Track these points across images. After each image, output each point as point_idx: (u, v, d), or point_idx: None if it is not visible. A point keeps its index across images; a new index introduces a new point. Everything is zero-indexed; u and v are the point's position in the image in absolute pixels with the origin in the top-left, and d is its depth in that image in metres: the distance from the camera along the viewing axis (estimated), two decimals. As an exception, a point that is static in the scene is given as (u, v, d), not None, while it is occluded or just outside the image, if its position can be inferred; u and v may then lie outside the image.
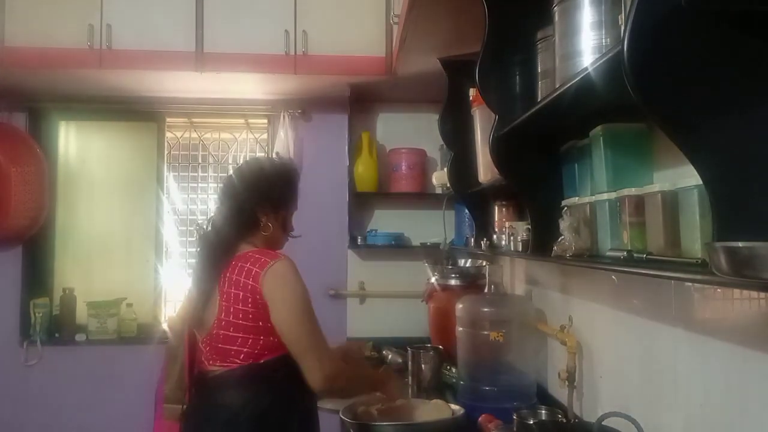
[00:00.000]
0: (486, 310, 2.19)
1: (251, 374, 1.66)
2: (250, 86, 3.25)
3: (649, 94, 0.88)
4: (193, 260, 1.94)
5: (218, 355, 1.68)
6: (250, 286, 1.65)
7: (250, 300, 1.65)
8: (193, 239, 3.64)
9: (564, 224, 1.43)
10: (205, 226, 1.87)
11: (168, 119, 3.58)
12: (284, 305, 1.67)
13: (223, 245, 1.76)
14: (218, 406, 1.66)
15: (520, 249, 1.85)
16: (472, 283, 2.71)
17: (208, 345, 1.71)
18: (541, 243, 1.63)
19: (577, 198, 1.50)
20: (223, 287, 1.69)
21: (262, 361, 1.66)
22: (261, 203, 1.78)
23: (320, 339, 1.69)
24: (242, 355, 1.65)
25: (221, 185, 1.89)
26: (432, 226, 3.36)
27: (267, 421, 1.64)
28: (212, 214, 1.87)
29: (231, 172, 1.90)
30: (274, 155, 3.39)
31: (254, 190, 1.79)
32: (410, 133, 3.55)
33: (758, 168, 0.85)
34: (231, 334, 1.66)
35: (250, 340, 1.65)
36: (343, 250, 3.47)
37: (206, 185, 3.70)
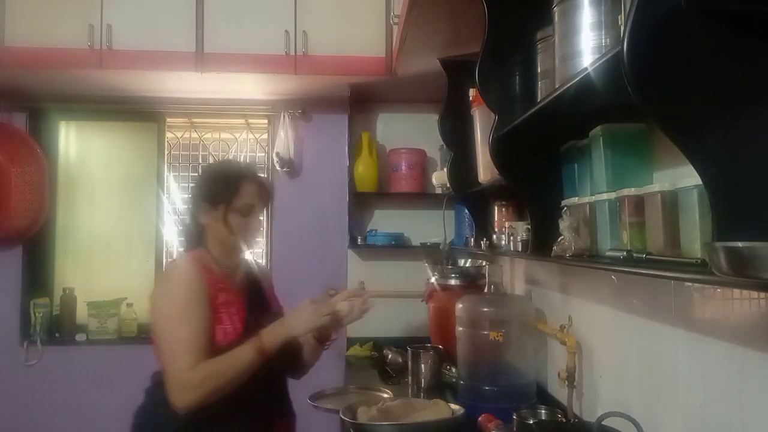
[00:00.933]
0: (486, 310, 2.19)
1: (154, 381, 1.74)
2: (250, 86, 3.25)
3: (649, 94, 0.88)
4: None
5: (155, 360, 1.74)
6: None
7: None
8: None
9: (564, 224, 1.43)
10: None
11: (168, 119, 3.58)
12: (156, 310, 1.70)
13: (183, 250, 1.83)
14: (141, 408, 1.80)
15: (519, 249, 1.85)
16: (472, 283, 2.71)
17: None
18: (541, 243, 1.63)
19: (576, 198, 1.50)
20: None
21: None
22: (200, 206, 1.78)
23: (178, 348, 1.61)
24: (157, 360, 1.70)
25: None
26: (432, 226, 3.36)
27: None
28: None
29: None
30: (274, 155, 3.40)
31: (195, 194, 1.83)
32: (410, 133, 3.55)
33: (758, 168, 0.85)
34: (154, 340, 1.73)
35: (156, 347, 1.70)
36: (343, 250, 3.48)
37: (206, 185, 3.70)
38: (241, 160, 1.94)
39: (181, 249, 1.82)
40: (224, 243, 1.78)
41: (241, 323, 1.72)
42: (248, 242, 1.82)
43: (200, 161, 3.71)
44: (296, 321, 1.75)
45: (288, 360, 1.84)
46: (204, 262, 1.75)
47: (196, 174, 1.96)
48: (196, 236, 1.80)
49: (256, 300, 1.85)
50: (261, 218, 1.85)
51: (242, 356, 1.64)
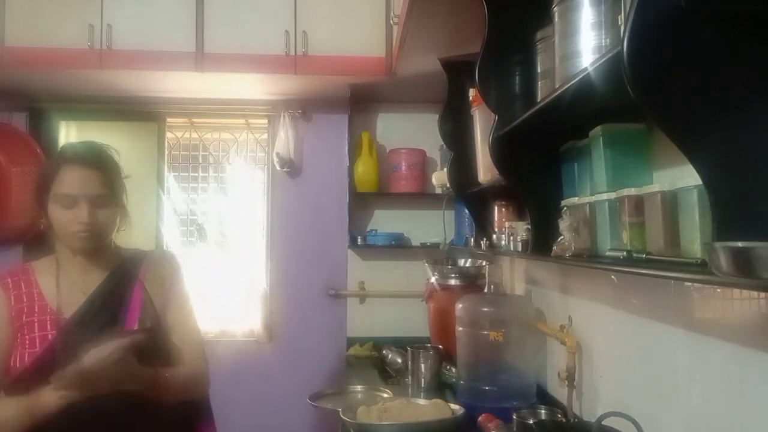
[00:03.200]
0: (486, 309, 2.19)
1: None
2: (250, 86, 3.25)
3: (649, 94, 0.88)
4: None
5: None
6: None
7: None
8: (193, 239, 3.65)
9: (564, 224, 1.43)
10: None
11: (168, 119, 3.58)
12: None
13: None
14: None
15: (519, 249, 1.85)
16: (472, 283, 2.71)
17: None
18: (541, 243, 1.63)
19: (576, 198, 1.50)
20: None
21: None
22: (38, 203, 1.52)
23: None
24: None
25: None
26: (432, 226, 3.36)
27: None
28: None
29: None
30: (274, 155, 3.40)
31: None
32: (410, 133, 3.55)
33: (758, 168, 0.85)
34: None
35: None
36: (343, 250, 3.48)
37: (206, 185, 3.71)
38: (82, 141, 1.64)
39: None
40: (61, 242, 1.51)
41: (42, 346, 1.42)
42: (78, 239, 1.48)
43: (200, 161, 3.72)
44: (45, 395, 1.34)
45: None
46: (25, 276, 1.50)
47: None
48: (49, 241, 1.56)
49: (94, 315, 1.49)
50: (92, 211, 1.49)
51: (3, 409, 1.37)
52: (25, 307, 1.46)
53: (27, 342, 1.44)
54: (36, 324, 1.45)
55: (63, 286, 1.51)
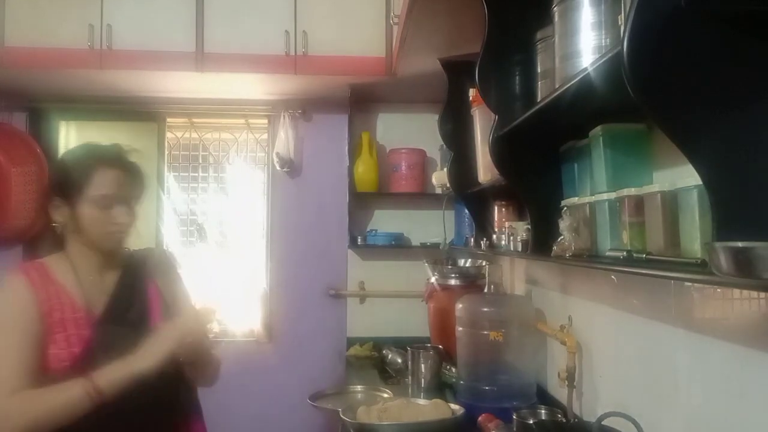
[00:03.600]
0: (486, 310, 2.19)
1: None
2: (250, 86, 3.25)
3: (649, 94, 0.88)
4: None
5: None
6: None
7: None
8: (193, 239, 3.65)
9: (564, 224, 1.43)
10: None
11: (168, 119, 3.58)
12: None
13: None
14: None
15: (519, 249, 1.85)
16: (472, 283, 2.71)
17: None
18: (541, 243, 1.63)
19: (576, 198, 1.50)
20: None
21: None
22: (50, 198, 1.52)
23: None
24: None
25: None
26: (432, 226, 3.37)
27: None
28: None
29: None
30: (274, 155, 3.40)
31: (46, 188, 1.57)
32: (410, 133, 3.55)
33: (758, 168, 0.85)
34: None
35: None
36: (343, 250, 3.48)
37: (206, 185, 3.71)
38: (105, 143, 1.60)
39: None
40: (84, 242, 1.51)
41: (79, 345, 1.43)
42: (115, 241, 1.53)
43: (200, 161, 3.72)
44: (141, 356, 1.39)
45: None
46: (44, 273, 1.48)
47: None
48: (52, 239, 1.54)
49: (123, 312, 1.52)
50: (128, 211, 1.52)
51: (69, 396, 1.35)
52: (54, 305, 1.45)
53: (63, 341, 1.43)
54: (70, 322, 1.45)
55: (83, 284, 1.51)
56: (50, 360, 1.42)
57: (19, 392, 1.36)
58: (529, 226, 1.72)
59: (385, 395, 2.24)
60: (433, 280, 2.84)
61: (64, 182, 1.50)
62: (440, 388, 2.41)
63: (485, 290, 2.30)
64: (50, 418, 1.36)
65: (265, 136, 3.64)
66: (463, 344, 2.22)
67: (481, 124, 2.21)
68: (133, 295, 1.56)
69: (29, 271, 1.48)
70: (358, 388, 2.41)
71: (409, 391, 2.44)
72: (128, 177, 1.54)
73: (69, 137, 3.66)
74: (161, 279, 1.63)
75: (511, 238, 1.94)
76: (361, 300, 3.55)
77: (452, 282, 2.75)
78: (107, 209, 1.49)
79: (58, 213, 1.50)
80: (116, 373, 1.37)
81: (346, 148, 3.43)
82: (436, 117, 3.00)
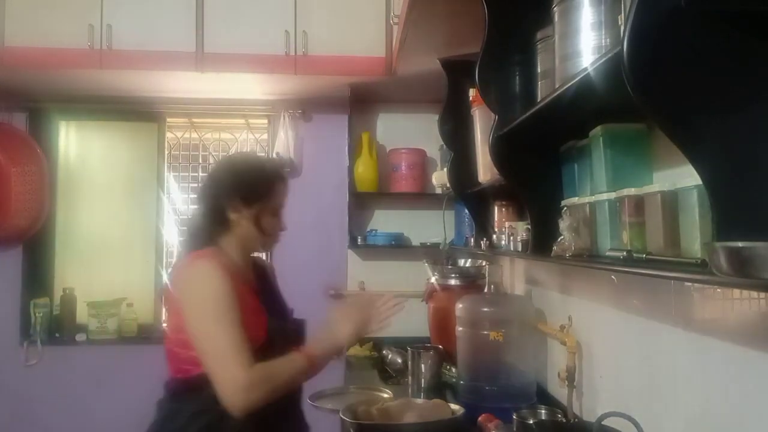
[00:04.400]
0: (486, 310, 2.19)
1: (172, 390, 1.59)
2: (250, 86, 3.25)
3: (649, 94, 0.88)
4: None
5: (167, 368, 1.63)
6: (170, 293, 1.58)
7: (172, 309, 1.58)
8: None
9: (564, 224, 1.43)
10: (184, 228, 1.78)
11: (168, 119, 3.58)
12: (188, 313, 1.53)
13: (189, 247, 1.67)
14: (156, 418, 1.62)
15: (519, 249, 1.85)
16: (472, 283, 2.71)
17: None
18: (541, 243, 1.63)
19: (576, 198, 1.50)
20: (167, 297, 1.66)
21: (191, 375, 1.54)
22: (230, 199, 1.65)
23: (227, 349, 1.48)
24: (173, 368, 1.59)
25: (199, 185, 1.81)
26: (432, 226, 3.36)
27: None
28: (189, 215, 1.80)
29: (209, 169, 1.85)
30: (274, 155, 3.40)
31: (222, 184, 1.68)
32: (410, 133, 3.55)
33: (758, 168, 0.85)
34: (166, 345, 1.62)
35: (175, 353, 1.58)
36: (343, 250, 3.48)
37: (206, 185, 3.70)
38: (266, 155, 1.78)
39: (187, 245, 1.67)
40: (247, 240, 1.68)
41: (263, 331, 1.58)
42: (273, 243, 1.76)
43: (200, 161, 3.72)
44: (346, 334, 1.67)
45: None
46: (224, 262, 1.61)
47: (221, 166, 1.78)
48: (209, 233, 1.66)
49: (273, 305, 1.73)
50: (283, 219, 1.76)
51: (294, 364, 1.55)
52: (238, 293, 1.56)
53: (252, 326, 1.55)
54: (250, 309, 1.58)
55: (244, 278, 1.67)
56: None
57: (255, 365, 1.48)
58: (529, 226, 1.72)
59: (385, 395, 2.23)
60: (433, 280, 2.84)
61: (249, 189, 1.66)
62: (440, 388, 2.41)
63: (485, 290, 2.29)
64: (283, 385, 1.54)
65: (265, 136, 3.64)
66: (463, 344, 2.22)
67: (481, 124, 2.21)
68: (272, 290, 1.81)
69: (213, 258, 1.59)
70: (358, 388, 2.41)
71: (409, 391, 2.43)
72: (287, 188, 1.76)
73: (69, 137, 3.66)
74: (274, 280, 1.89)
75: (511, 238, 1.94)
76: (361, 300, 3.54)
77: (452, 282, 2.75)
78: (276, 216, 1.72)
79: (234, 212, 1.65)
80: (325, 344, 1.63)
81: (346, 148, 3.43)
82: (436, 117, 2.99)
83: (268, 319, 1.62)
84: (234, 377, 1.46)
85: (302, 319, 1.78)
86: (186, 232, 1.74)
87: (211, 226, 1.66)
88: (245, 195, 1.66)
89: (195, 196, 1.81)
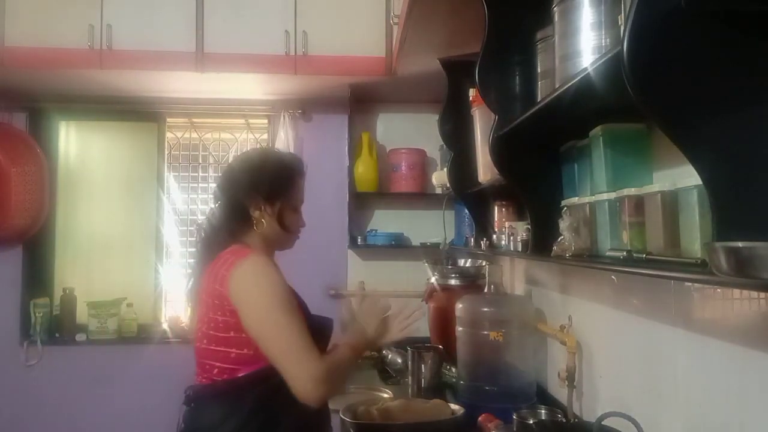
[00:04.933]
0: (486, 310, 2.19)
1: (223, 391, 1.51)
2: (250, 86, 3.25)
3: (649, 94, 0.88)
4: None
5: (200, 369, 1.57)
6: (218, 292, 1.51)
7: (219, 308, 1.51)
8: (194, 239, 3.64)
9: (564, 224, 1.43)
10: (201, 227, 1.74)
11: (168, 119, 3.58)
12: (252, 307, 1.50)
13: (211, 246, 1.63)
14: (195, 423, 1.55)
15: (519, 249, 1.85)
16: (472, 283, 2.71)
17: (195, 358, 1.60)
18: (541, 243, 1.63)
19: (576, 198, 1.50)
20: (200, 294, 1.59)
21: (238, 376, 1.51)
22: (252, 196, 1.63)
23: (298, 342, 1.47)
24: (215, 370, 1.52)
25: (217, 180, 1.77)
26: (432, 226, 3.36)
27: None
28: (207, 214, 1.74)
29: (228, 164, 1.78)
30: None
31: (243, 181, 1.65)
32: (410, 133, 3.55)
33: (758, 168, 0.85)
34: (205, 346, 1.55)
35: (221, 354, 1.52)
36: (343, 250, 3.48)
37: (206, 185, 3.71)
38: (286, 151, 1.78)
39: (209, 244, 1.65)
40: (270, 238, 1.66)
41: (309, 327, 1.57)
42: (294, 241, 1.76)
43: (200, 161, 3.72)
44: (382, 335, 1.72)
45: None
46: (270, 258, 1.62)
47: (241, 163, 1.74)
48: (232, 231, 1.63)
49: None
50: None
51: (347, 357, 1.59)
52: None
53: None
54: (299, 307, 1.59)
55: None
56: None
57: (321, 357, 1.50)
58: (529, 226, 1.72)
59: (385, 395, 2.24)
60: (433, 280, 2.84)
61: (272, 185, 1.65)
62: (440, 388, 2.41)
63: (485, 290, 2.29)
64: (344, 377, 1.63)
65: (265, 136, 3.64)
66: (463, 344, 2.22)
67: (481, 124, 2.21)
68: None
69: (260, 252, 1.59)
70: (358, 388, 2.41)
71: (409, 391, 2.44)
72: (304, 184, 1.77)
73: (69, 137, 3.66)
74: None
75: (511, 238, 1.94)
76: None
77: (452, 282, 2.75)
78: (297, 213, 1.73)
79: (255, 209, 1.64)
80: (362, 341, 1.67)
81: (346, 148, 3.43)
82: (436, 117, 2.99)
83: (308, 316, 1.63)
84: (310, 370, 1.45)
85: (329, 318, 1.76)
86: (206, 230, 1.69)
87: (233, 224, 1.64)
88: (267, 192, 1.64)
89: (213, 193, 1.75)
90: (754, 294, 1.09)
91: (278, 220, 1.66)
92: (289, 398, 1.45)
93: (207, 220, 1.71)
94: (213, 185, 3.63)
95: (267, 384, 1.48)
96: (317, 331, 1.60)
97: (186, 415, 1.59)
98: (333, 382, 1.50)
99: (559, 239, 1.44)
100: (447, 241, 3.12)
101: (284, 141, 3.38)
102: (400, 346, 2.83)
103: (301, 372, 1.45)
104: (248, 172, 1.67)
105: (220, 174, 1.81)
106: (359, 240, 3.42)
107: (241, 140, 3.71)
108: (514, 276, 2.62)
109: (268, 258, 1.59)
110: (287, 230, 1.69)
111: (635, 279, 1.46)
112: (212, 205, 1.75)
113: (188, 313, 1.81)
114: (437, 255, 3.10)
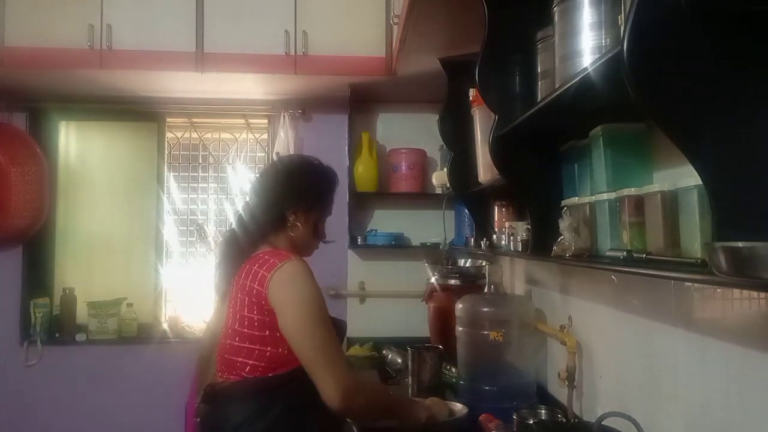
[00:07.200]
0: (486, 310, 2.19)
1: (255, 388, 1.53)
2: (250, 86, 3.25)
3: (649, 94, 0.88)
4: (215, 260, 1.79)
5: (226, 366, 1.59)
6: (255, 291, 1.53)
7: (256, 307, 1.53)
8: (193, 239, 3.65)
9: (564, 224, 1.43)
10: (229, 223, 1.76)
11: (168, 119, 3.58)
12: (291, 311, 1.52)
13: (242, 243, 1.66)
14: (222, 421, 1.55)
15: (519, 249, 1.85)
16: (472, 283, 2.71)
17: (220, 355, 1.62)
18: (541, 243, 1.63)
19: (576, 198, 1.50)
20: (233, 291, 1.60)
21: (270, 374, 1.53)
22: (293, 201, 1.67)
23: (334, 349, 1.53)
24: (248, 368, 1.54)
25: (254, 178, 1.79)
26: (432, 226, 3.36)
27: None
28: (239, 210, 1.76)
29: (269, 164, 1.84)
30: (274, 155, 3.39)
31: (289, 185, 1.69)
32: (410, 133, 3.55)
33: (758, 168, 0.85)
34: (237, 344, 1.56)
35: (256, 352, 1.53)
36: (343, 250, 3.47)
37: (206, 185, 3.71)
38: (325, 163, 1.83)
39: (237, 240, 1.68)
40: (299, 243, 1.70)
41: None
42: (315, 248, 1.79)
43: (200, 161, 3.72)
44: (439, 412, 1.79)
45: None
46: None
47: (287, 167, 1.78)
48: (264, 232, 1.67)
49: None
50: None
51: (386, 392, 1.70)
52: None
53: None
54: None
55: None
56: None
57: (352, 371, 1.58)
58: (529, 226, 1.72)
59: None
60: (433, 280, 2.84)
61: (315, 194, 1.71)
62: (440, 388, 2.41)
63: (485, 290, 2.29)
64: (373, 401, 1.64)
65: (265, 136, 3.64)
66: (463, 344, 2.22)
67: (481, 124, 2.21)
68: None
69: (300, 258, 1.62)
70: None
71: (409, 391, 2.43)
72: None
73: (69, 137, 3.66)
74: None
75: (511, 238, 1.94)
76: (361, 300, 3.55)
77: (452, 282, 2.75)
78: (324, 222, 1.76)
79: (292, 214, 1.67)
80: (408, 404, 1.77)
81: (346, 148, 3.43)
82: (436, 117, 3.00)
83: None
84: (344, 379, 1.50)
85: (344, 320, 1.81)
86: (238, 227, 1.70)
87: (268, 226, 1.67)
88: (312, 201, 1.70)
89: (250, 189, 1.76)
90: (754, 294, 1.09)
91: (313, 228, 1.72)
92: (318, 402, 1.49)
93: (239, 217, 1.73)
94: (215, 186, 3.67)
95: (299, 384, 1.51)
96: (340, 335, 1.64)
97: (208, 414, 1.60)
98: (362, 397, 1.56)
99: (559, 239, 1.44)
100: (447, 241, 3.12)
101: (284, 141, 3.38)
102: (400, 346, 2.85)
103: (333, 379, 1.49)
104: (296, 179, 1.72)
105: (262, 171, 1.82)
106: (359, 240, 3.42)
107: (241, 140, 3.71)
108: (514, 276, 2.62)
109: (306, 264, 1.61)
110: (318, 238, 1.75)
111: (635, 279, 1.46)
112: (245, 202, 1.77)
113: (213, 306, 1.79)
114: (437, 255, 3.10)
